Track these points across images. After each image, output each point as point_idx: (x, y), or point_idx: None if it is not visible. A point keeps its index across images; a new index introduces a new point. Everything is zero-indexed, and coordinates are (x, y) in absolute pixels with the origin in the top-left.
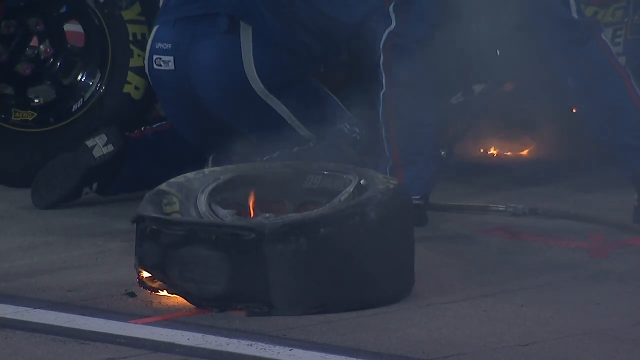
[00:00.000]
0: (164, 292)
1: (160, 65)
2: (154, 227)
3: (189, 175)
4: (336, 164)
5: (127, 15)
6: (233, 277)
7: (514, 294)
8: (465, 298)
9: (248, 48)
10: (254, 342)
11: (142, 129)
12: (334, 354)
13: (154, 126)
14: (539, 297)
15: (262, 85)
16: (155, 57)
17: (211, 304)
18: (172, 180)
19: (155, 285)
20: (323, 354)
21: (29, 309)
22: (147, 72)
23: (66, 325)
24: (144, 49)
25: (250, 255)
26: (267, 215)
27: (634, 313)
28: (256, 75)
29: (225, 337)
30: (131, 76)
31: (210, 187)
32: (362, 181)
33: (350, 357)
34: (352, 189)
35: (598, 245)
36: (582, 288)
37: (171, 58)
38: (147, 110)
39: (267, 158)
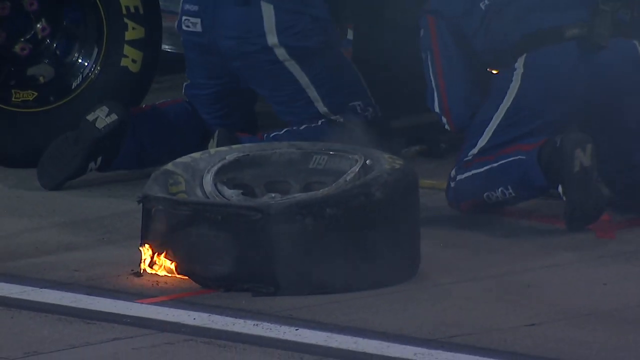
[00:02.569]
0: (169, 273)
1: (189, 27)
2: (160, 207)
3: (195, 155)
4: (342, 145)
5: None
6: (239, 257)
7: (520, 275)
8: (471, 279)
9: (270, 14)
10: (259, 322)
11: (143, 105)
12: (340, 334)
13: (156, 103)
14: (545, 277)
15: (283, 50)
16: (184, 18)
17: (217, 284)
18: (178, 160)
19: (161, 265)
20: (329, 334)
21: (35, 288)
22: (178, 32)
23: (72, 305)
24: (138, 22)
25: (256, 236)
26: (273, 195)
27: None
28: (277, 41)
29: (231, 317)
30: (127, 49)
31: (216, 167)
32: (367, 161)
33: (356, 337)
34: (357, 169)
35: (604, 226)
36: (588, 269)
37: (198, 20)
38: (146, 83)
39: (273, 134)
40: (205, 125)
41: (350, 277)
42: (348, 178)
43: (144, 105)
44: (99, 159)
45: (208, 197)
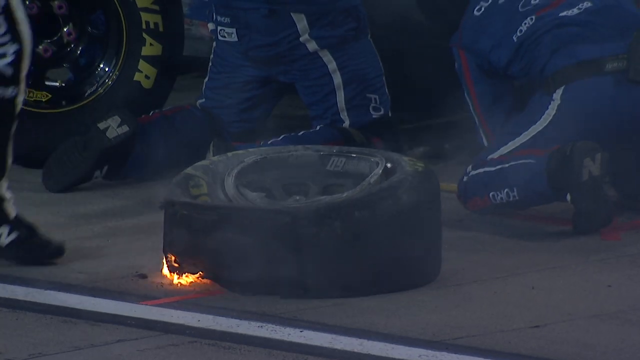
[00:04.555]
0: (193, 277)
1: (224, 37)
2: (185, 212)
3: (213, 158)
4: (360, 147)
5: (140, 2)
6: (266, 261)
7: (524, 276)
8: (475, 280)
9: (301, 19)
10: (264, 324)
11: (151, 113)
12: (345, 335)
13: (163, 110)
14: (550, 279)
15: (314, 43)
16: (219, 28)
17: (244, 289)
18: (197, 163)
19: (185, 270)
20: (334, 336)
21: (39, 290)
22: (215, 43)
23: (77, 306)
24: (156, 39)
25: (285, 239)
26: (297, 197)
27: None
28: (308, 36)
29: (236, 318)
30: (142, 64)
31: (236, 170)
32: (388, 164)
33: (360, 338)
34: (380, 171)
35: (610, 227)
36: (593, 270)
37: (233, 30)
38: (156, 100)
39: (271, 142)
40: (214, 132)
41: (377, 279)
42: (372, 180)
43: (151, 113)
44: (105, 168)
45: (231, 201)
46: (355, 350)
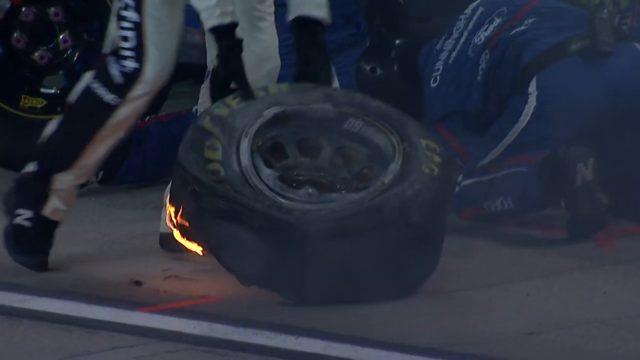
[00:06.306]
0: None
1: None
2: (196, 188)
3: (232, 104)
4: (381, 111)
5: None
6: (270, 263)
7: (519, 283)
8: (470, 287)
9: None
10: (259, 331)
11: (146, 118)
12: (339, 342)
13: (158, 116)
14: (545, 286)
15: None
16: None
17: (243, 280)
18: (216, 112)
19: (194, 239)
20: (328, 343)
21: (35, 297)
22: None
23: (72, 313)
24: None
25: (292, 250)
26: (310, 191)
27: None
28: None
29: (231, 325)
30: None
31: (254, 128)
32: (405, 147)
33: (355, 345)
34: (397, 169)
35: (604, 234)
36: (588, 277)
37: None
38: (151, 106)
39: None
40: None
41: (377, 287)
42: (386, 181)
43: (147, 119)
44: (101, 174)
45: (244, 173)
46: (350, 357)
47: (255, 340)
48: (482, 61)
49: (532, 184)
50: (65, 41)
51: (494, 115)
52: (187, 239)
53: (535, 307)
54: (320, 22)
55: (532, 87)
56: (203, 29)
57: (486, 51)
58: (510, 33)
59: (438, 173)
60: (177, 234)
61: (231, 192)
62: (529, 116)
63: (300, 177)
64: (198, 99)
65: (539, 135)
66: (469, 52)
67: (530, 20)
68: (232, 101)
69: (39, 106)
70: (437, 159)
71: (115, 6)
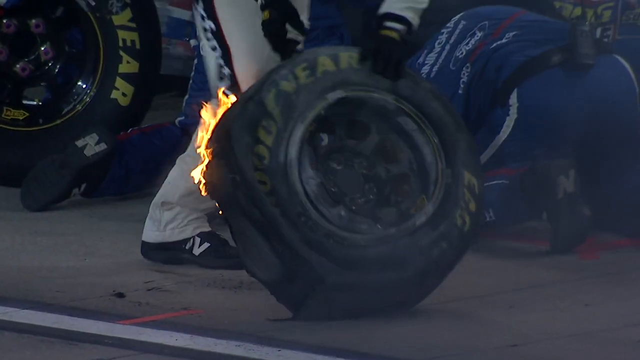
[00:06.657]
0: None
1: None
2: (237, 178)
3: (301, 77)
4: (437, 118)
5: (117, 20)
6: (281, 282)
7: (503, 295)
8: (454, 299)
9: None
10: (242, 343)
11: (129, 130)
12: (322, 354)
13: (141, 127)
14: (528, 298)
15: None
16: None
17: (247, 272)
18: (282, 87)
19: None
20: (311, 355)
21: (17, 309)
22: (196, 60)
23: (54, 326)
24: (133, 56)
25: (306, 284)
26: (343, 214)
27: (623, 315)
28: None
29: (213, 337)
30: (119, 82)
31: (313, 113)
32: (447, 182)
33: (338, 357)
34: (431, 211)
35: (588, 247)
36: (571, 290)
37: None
38: (134, 118)
39: None
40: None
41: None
42: (417, 223)
43: (129, 131)
44: (84, 186)
45: (286, 167)
46: None
47: (237, 352)
48: (464, 74)
49: (513, 197)
50: (46, 53)
51: (475, 128)
52: (207, 192)
53: (518, 319)
54: (409, 23)
55: (513, 99)
56: (187, 40)
57: (467, 64)
58: (491, 46)
59: (467, 230)
60: (202, 188)
61: (268, 207)
62: (510, 128)
63: (335, 190)
64: (181, 110)
65: (520, 147)
66: (451, 65)
67: (512, 34)
68: (302, 73)
69: (21, 118)
70: (472, 205)
71: None
